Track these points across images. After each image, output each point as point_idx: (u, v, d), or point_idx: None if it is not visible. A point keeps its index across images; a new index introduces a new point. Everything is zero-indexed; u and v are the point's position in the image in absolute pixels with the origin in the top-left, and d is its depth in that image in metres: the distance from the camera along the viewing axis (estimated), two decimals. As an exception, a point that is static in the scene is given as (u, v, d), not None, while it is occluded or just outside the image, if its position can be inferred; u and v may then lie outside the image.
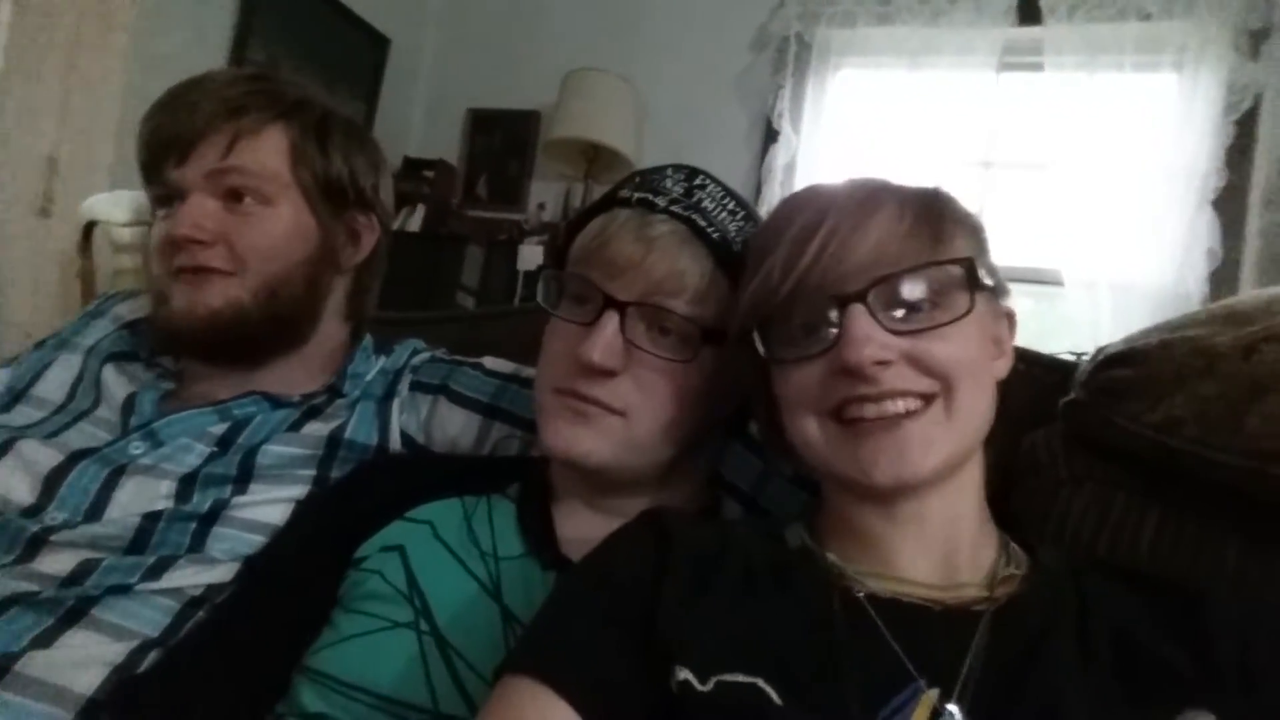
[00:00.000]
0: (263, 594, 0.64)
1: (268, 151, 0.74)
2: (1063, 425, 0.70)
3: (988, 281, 0.51)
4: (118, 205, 1.65)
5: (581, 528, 0.62)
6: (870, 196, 0.51)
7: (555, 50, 2.79)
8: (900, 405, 0.48)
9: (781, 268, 0.50)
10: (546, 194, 2.83)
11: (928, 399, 0.48)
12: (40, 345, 0.85)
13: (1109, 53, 2.29)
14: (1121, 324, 2.16)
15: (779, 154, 2.54)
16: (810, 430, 0.51)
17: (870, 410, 0.48)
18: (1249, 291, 0.65)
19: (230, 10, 2.29)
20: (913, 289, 0.49)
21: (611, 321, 0.58)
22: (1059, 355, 0.83)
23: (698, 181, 0.63)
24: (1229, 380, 0.58)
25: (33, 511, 0.67)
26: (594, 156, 2.62)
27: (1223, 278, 2.17)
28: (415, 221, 2.71)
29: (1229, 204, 2.18)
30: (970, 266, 0.50)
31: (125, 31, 1.95)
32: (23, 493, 0.69)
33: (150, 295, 0.79)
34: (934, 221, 0.51)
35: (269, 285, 0.74)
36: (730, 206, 0.63)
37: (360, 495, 0.69)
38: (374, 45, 2.78)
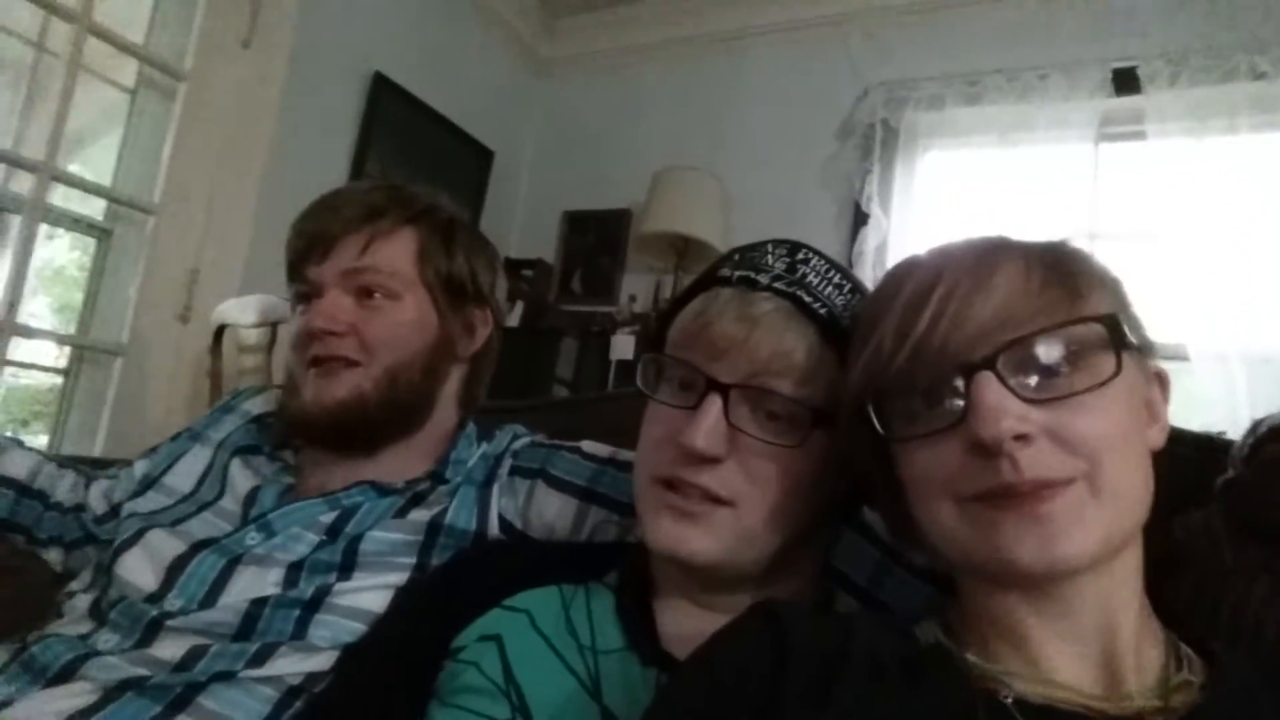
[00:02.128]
0: (360, 684, 0.63)
1: (398, 251, 0.80)
2: (1221, 507, 0.63)
3: (1133, 340, 0.46)
4: (245, 309, 1.80)
5: (683, 623, 0.59)
6: (989, 252, 0.47)
7: (645, 151, 2.91)
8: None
9: (894, 335, 0.46)
10: (637, 286, 2.89)
11: (1072, 481, 0.43)
12: (175, 438, 0.90)
13: (1219, 115, 2.18)
14: (1259, 397, 1.97)
15: (869, 236, 2.51)
16: (944, 515, 0.45)
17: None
18: None
19: (350, 130, 2.52)
20: (1048, 352, 0.43)
21: (715, 405, 0.55)
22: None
23: (800, 256, 0.61)
24: None
25: (154, 597, 0.70)
26: (683, 249, 2.67)
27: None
28: (514, 317, 2.81)
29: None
30: (1114, 323, 0.44)
31: (262, 155, 2.17)
32: (148, 579, 0.72)
33: (282, 389, 0.84)
34: (1066, 276, 0.46)
35: (391, 372, 0.78)
36: (835, 280, 0.60)
37: (459, 583, 0.68)
38: (479, 157, 2.98)
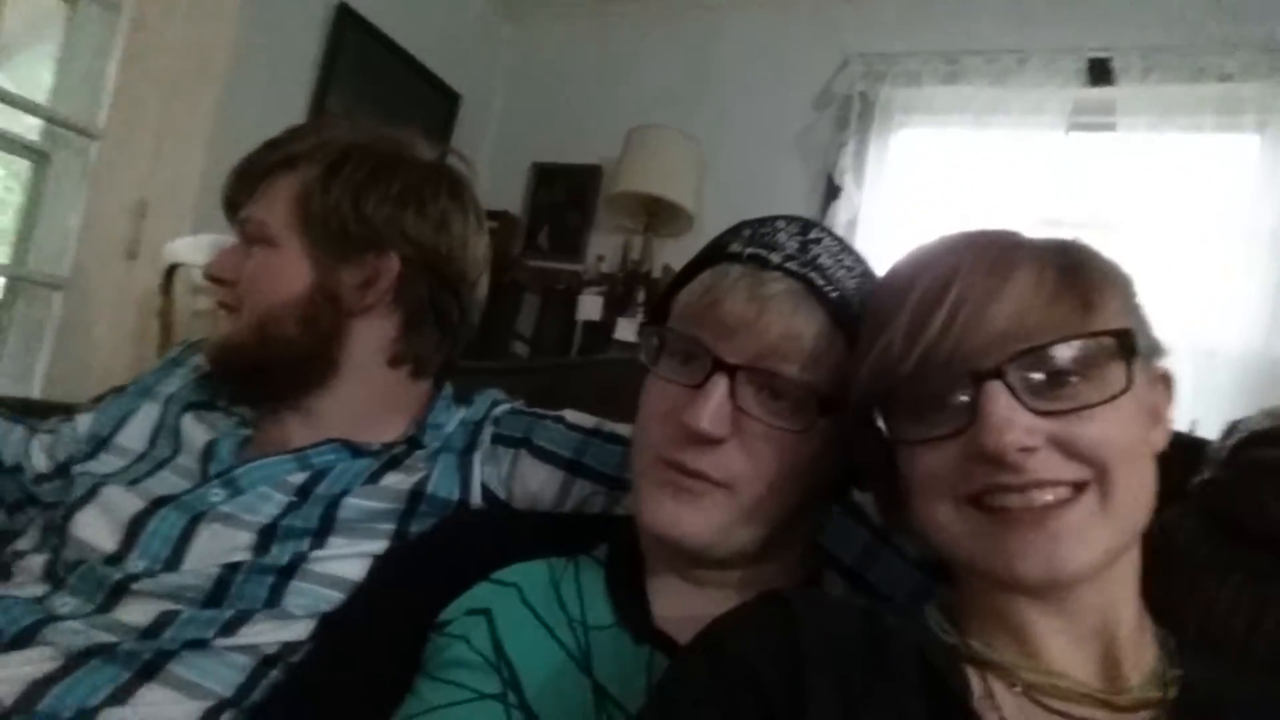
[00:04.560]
0: (342, 655, 0.61)
1: (277, 195, 0.76)
2: (1196, 507, 0.65)
3: (1143, 347, 0.46)
4: (198, 249, 1.71)
5: (675, 600, 0.59)
6: (1003, 255, 0.46)
7: (619, 107, 2.84)
8: (1049, 495, 0.42)
9: (904, 339, 0.45)
10: (606, 246, 2.85)
11: (1079, 487, 0.43)
12: (120, 391, 0.85)
13: (1185, 114, 2.23)
14: (1205, 391, 2.06)
15: (840, 211, 2.51)
16: (944, 516, 0.45)
17: (1015, 500, 0.43)
18: None
19: (310, 67, 2.39)
20: (1059, 363, 0.43)
21: (721, 385, 0.53)
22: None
23: (813, 235, 0.59)
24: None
25: (115, 559, 0.67)
26: (654, 210, 2.64)
27: (1314, 345, 2.06)
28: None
29: (1319, 268, 2.08)
30: (1127, 337, 0.44)
31: (217, 84, 2.04)
32: (106, 539, 0.68)
33: None
34: (1079, 283, 0.45)
35: (260, 322, 0.74)
36: (847, 262, 0.59)
37: (443, 553, 0.66)
38: (445, 100, 2.87)
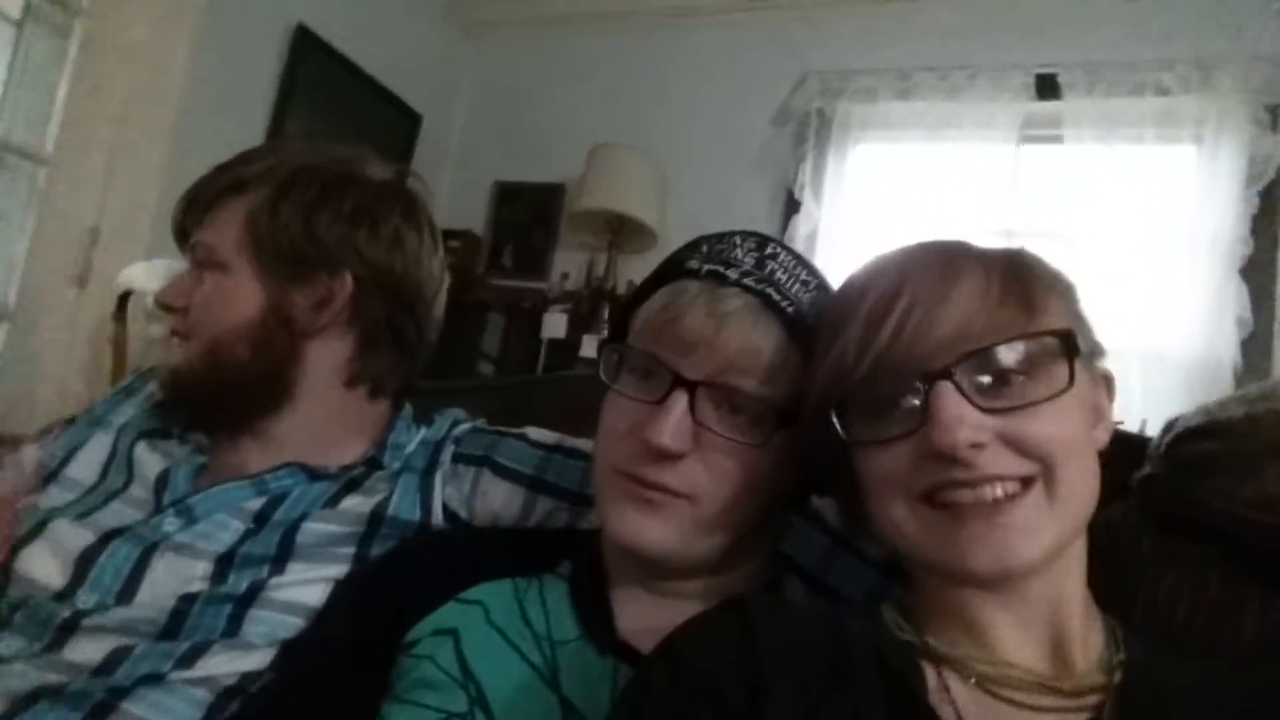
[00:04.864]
0: (304, 682, 0.60)
1: (226, 220, 0.75)
2: (1139, 502, 0.67)
3: (1084, 348, 0.48)
4: (153, 274, 1.68)
5: (639, 611, 0.59)
6: (950, 263, 0.48)
7: (581, 126, 2.86)
8: (999, 490, 0.44)
9: (857, 345, 0.47)
10: (570, 264, 2.86)
11: (1027, 482, 0.45)
12: (71, 422, 0.83)
13: (1128, 126, 2.31)
14: (1153, 393, 2.13)
15: (801, 224, 2.56)
16: (899, 514, 0.47)
17: (966, 495, 0.44)
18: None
19: (270, 87, 2.38)
20: (1005, 362, 0.45)
21: (680, 402, 0.54)
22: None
23: (769, 250, 0.61)
24: (1328, 455, 0.55)
25: (63, 595, 0.65)
26: (618, 227, 2.65)
27: (1254, 346, 2.14)
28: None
29: (1257, 273, 2.17)
30: (1068, 337, 0.46)
31: (172, 108, 2.02)
32: (54, 576, 0.66)
33: None
34: (1024, 287, 0.47)
35: (212, 348, 0.73)
36: (802, 276, 0.60)
37: (406, 574, 0.66)
38: (406, 120, 2.87)
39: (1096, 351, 0.51)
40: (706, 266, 0.58)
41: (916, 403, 0.46)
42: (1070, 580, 0.48)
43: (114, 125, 2.00)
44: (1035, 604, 0.46)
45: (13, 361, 1.93)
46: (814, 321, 0.57)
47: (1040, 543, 0.44)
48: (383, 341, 0.79)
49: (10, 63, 2.01)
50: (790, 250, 0.62)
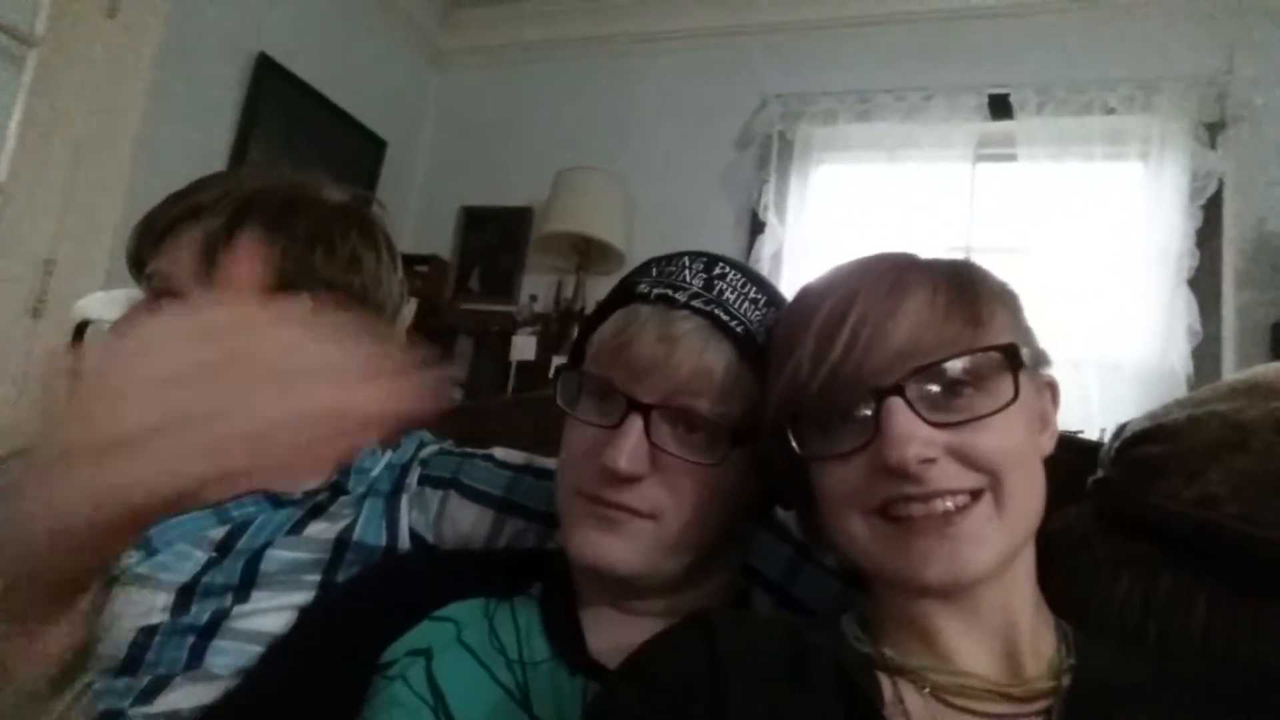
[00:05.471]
0: (269, 709, 0.59)
1: (182, 249, 0.74)
2: (1093, 505, 0.69)
3: (1028, 359, 0.50)
4: (112, 303, 1.64)
5: (610, 630, 0.59)
6: (900, 278, 0.50)
7: (545, 150, 2.89)
8: (949, 503, 0.46)
9: (810, 360, 0.49)
10: (538, 286, 2.86)
11: (976, 494, 0.46)
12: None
13: (1078, 144, 2.40)
14: (1110, 401, 2.18)
15: (765, 244, 2.60)
16: (854, 528, 0.48)
17: (918, 509, 0.46)
18: (1269, 364, 0.65)
19: (232, 113, 2.36)
20: (952, 376, 0.47)
21: (636, 426, 0.55)
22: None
23: (718, 270, 0.62)
24: (1265, 455, 0.57)
25: None
26: (585, 249, 2.67)
27: (1204, 354, 2.21)
28: (407, 315, 2.72)
29: (1204, 283, 2.25)
30: (1012, 352, 0.48)
31: (129, 137, 1.99)
32: None
33: None
34: (970, 300, 0.49)
35: None
36: (751, 294, 0.61)
37: (375, 597, 0.65)
38: (371, 147, 2.86)
39: (1041, 360, 0.53)
40: (656, 290, 0.59)
41: (868, 415, 0.47)
42: (1021, 587, 0.49)
43: (70, 154, 1.97)
44: (987, 612, 0.48)
45: (-37, 396, 1.88)
46: (765, 339, 0.58)
47: (990, 552, 0.46)
48: None
49: (-40, 92, 1.98)
50: (739, 267, 0.63)
